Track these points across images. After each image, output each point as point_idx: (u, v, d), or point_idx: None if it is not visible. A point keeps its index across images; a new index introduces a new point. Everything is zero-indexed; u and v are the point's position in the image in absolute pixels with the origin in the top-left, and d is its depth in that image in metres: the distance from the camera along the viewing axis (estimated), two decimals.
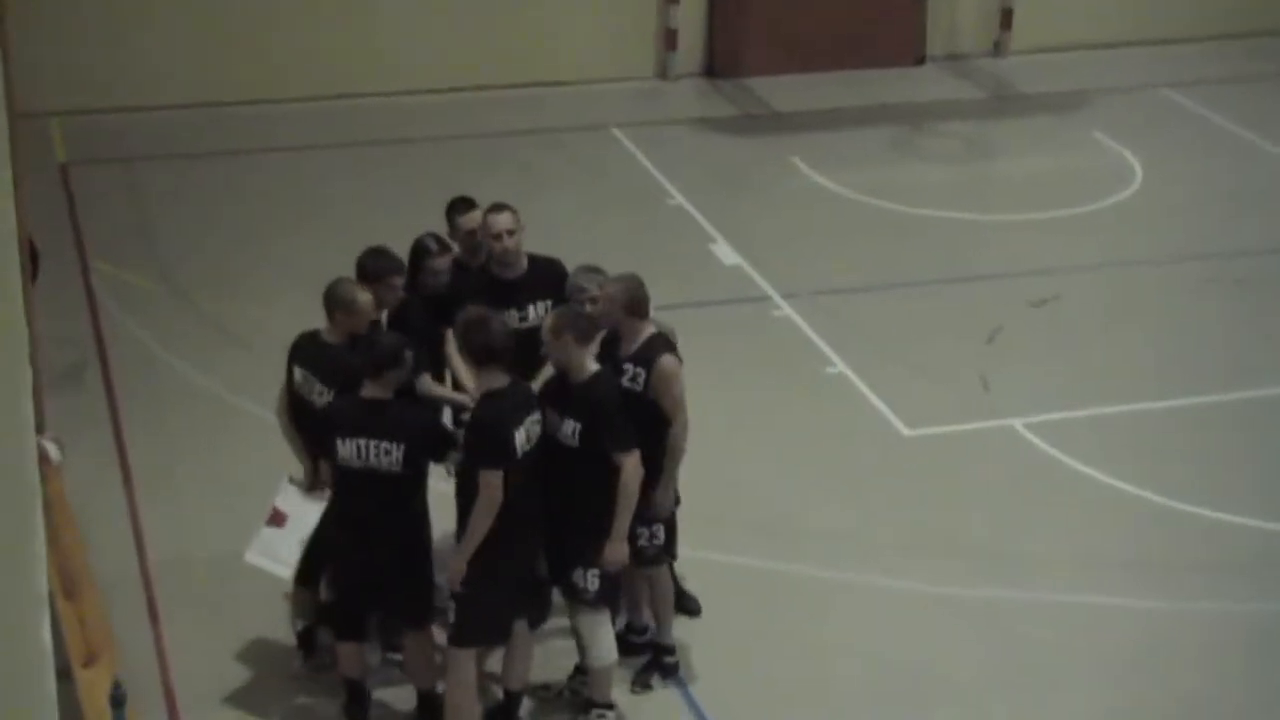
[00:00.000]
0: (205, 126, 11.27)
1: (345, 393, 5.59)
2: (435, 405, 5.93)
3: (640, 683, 6.04)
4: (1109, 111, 12.03)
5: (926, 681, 6.18)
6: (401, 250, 6.11)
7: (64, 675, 5.15)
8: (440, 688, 5.69)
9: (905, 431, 7.85)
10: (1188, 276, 9.52)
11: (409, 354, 5.56)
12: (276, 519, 5.78)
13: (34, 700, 4.03)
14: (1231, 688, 6.22)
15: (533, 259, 6.23)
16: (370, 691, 5.86)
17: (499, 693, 5.83)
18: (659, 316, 5.90)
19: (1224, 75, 12.68)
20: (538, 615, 5.76)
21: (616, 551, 5.56)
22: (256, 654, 6.15)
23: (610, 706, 5.83)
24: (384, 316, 5.98)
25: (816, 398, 8.19)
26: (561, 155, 11.06)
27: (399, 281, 5.92)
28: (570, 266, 6.08)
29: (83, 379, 8.09)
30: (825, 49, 12.48)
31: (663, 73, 12.51)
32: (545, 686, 5.96)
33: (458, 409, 5.95)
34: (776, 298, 9.14)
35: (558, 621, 5.95)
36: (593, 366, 5.57)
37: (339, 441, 5.46)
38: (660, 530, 5.84)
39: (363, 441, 5.42)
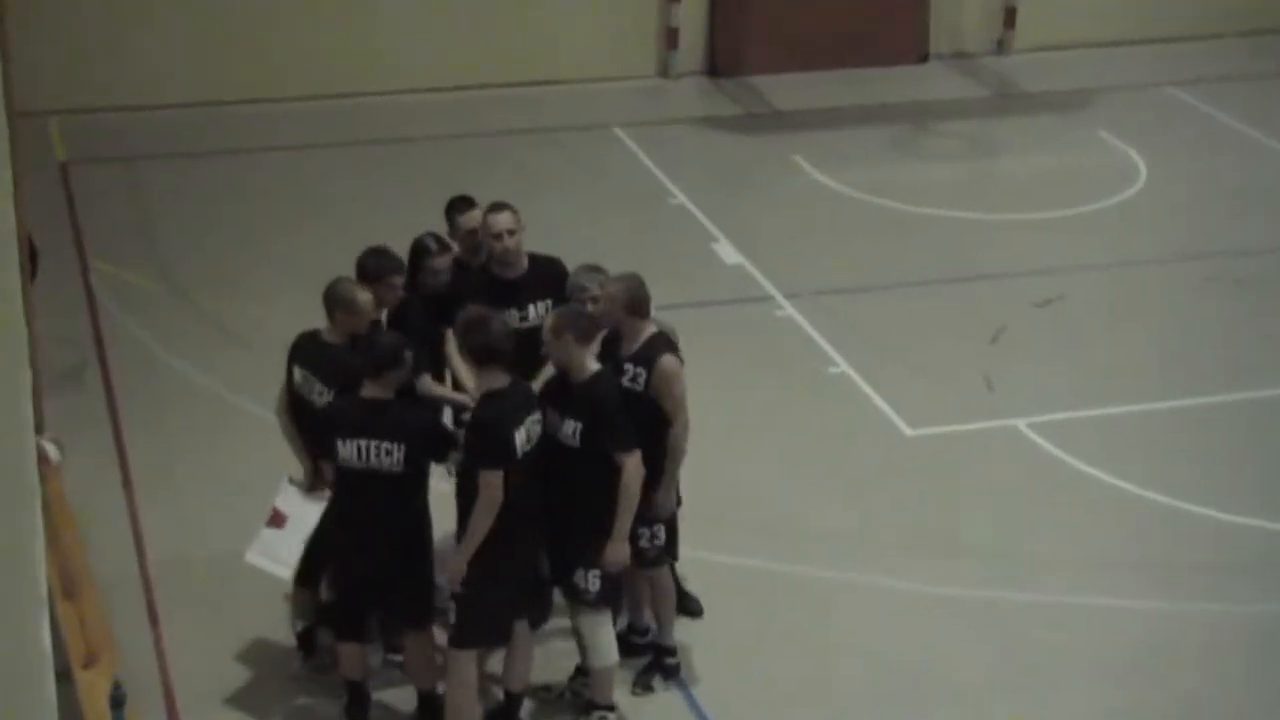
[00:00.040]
0: (205, 125, 11.26)
1: (345, 393, 5.57)
2: (435, 405, 5.91)
3: (642, 684, 6.03)
4: (1113, 110, 12.00)
5: (928, 682, 6.17)
6: (401, 250, 6.09)
7: (64, 676, 5.16)
8: (441, 689, 5.67)
9: (908, 432, 7.83)
10: (1193, 276, 9.49)
11: (409, 354, 5.54)
12: (276, 519, 5.78)
13: (33, 701, 4.04)
14: (1234, 689, 6.20)
15: (533, 258, 6.21)
16: (370, 693, 5.84)
17: (499, 694, 5.82)
18: (660, 316, 5.89)
19: (1229, 73, 12.65)
20: (539, 616, 5.75)
21: (617, 552, 5.55)
22: (256, 655, 6.14)
23: (611, 708, 5.82)
24: (383, 316, 5.96)
25: (819, 398, 8.17)
26: (562, 154, 11.04)
27: (399, 281, 5.91)
28: (571, 266, 6.06)
29: (82, 379, 8.08)
30: (827, 47, 12.46)
31: (664, 71, 12.49)
32: (546, 688, 5.95)
33: (458, 409, 5.93)
34: (779, 297, 9.12)
35: (559, 622, 5.94)
36: (593, 366, 5.56)
37: (339, 442, 5.45)
38: (661, 531, 5.82)
39: (363, 442, 5.40)
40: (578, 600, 5.66)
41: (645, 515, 5.68)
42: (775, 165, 10.94)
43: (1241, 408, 8.11)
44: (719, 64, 12.54)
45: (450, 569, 5.42)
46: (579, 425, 5.45)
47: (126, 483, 7.24)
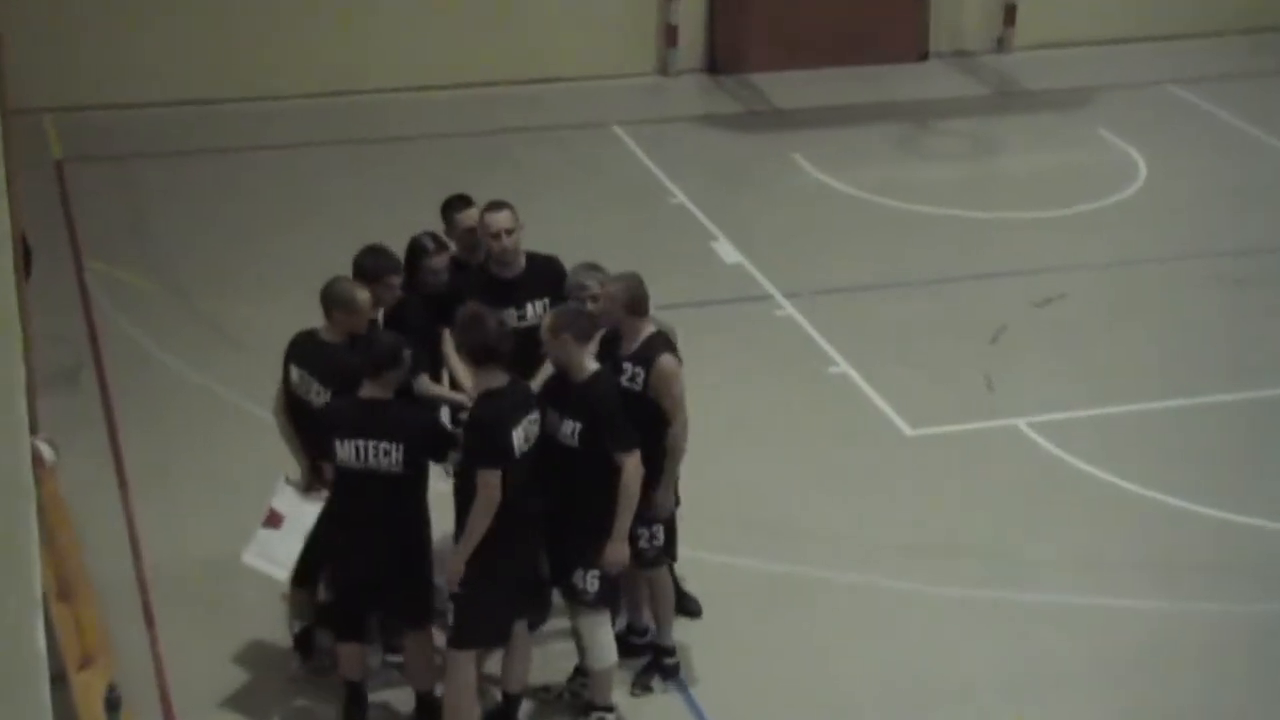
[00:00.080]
0: (201, 123, 11.24)
1: (343, 393, 5.54)
2: (433, 405, 5.88)
3: (641, 685, 6.01)
4: (1113, 108, 11.98)
5: (928, 682, 6.15)
6: (398, 249, 6.06)
7: (59, 678, 5.17)
8: (439, 690, 5.64)
9: (908, 432, 7.81)
10: (1193, 274, 9.48)
11: (408, 353, 5.51)
12: (273, 520, 5.76)
13: (28, 704, 4.03)
14: (1235, 689, 6.18)
15: (531, 257, 6.18)
16: (369, 694, 5.82)
17: (498, 695, 5.80)
18: (659, 315, 5.87)
19: (1230, 71, 12.64)
20: (537, 617, 5.74)
21: (617, 552, 5.53)
22: (254, 656, 6.12)
23: (610, 709, 5.81)
24: (380, 316, 5.92)
25: (819, 397, 8.15)
26: (561, 153, 11.02)
27: (397, 281, 5.89)
28: (569, 265, 6.04)
29: (77, 378, 8.05)
30: (828, 45, 12.45)
31: (663, 69, 12.46)
32: (545, 688, 5.94)
33: (455, 409, 5.90)
34: (778, 296, 9.09)
35: (557, 623, 5.93)
36: (592, 366, 5.54)
37: (338, 443, 5.43)
38: (660, 531, 5.81)
39: (362, 442, 5.38)
40: (577, 601, 5.64)
41: (644, 515, 5.66)
42: (775, 164, 10.91)
43: (1242, 407, 8.10)
44: (719, 61, 12.51)
45: (448, 569, 5.41)
46: (578, 425, 5.44)
47: (122, 483, 7.22)
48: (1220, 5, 13.26)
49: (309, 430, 5.68)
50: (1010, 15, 12.97)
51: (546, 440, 5.47)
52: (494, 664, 5.81)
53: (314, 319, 5.81)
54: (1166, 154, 11.17)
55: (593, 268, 5.89)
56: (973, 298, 9.20)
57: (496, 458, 5.26)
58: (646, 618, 6.08)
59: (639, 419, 5.52)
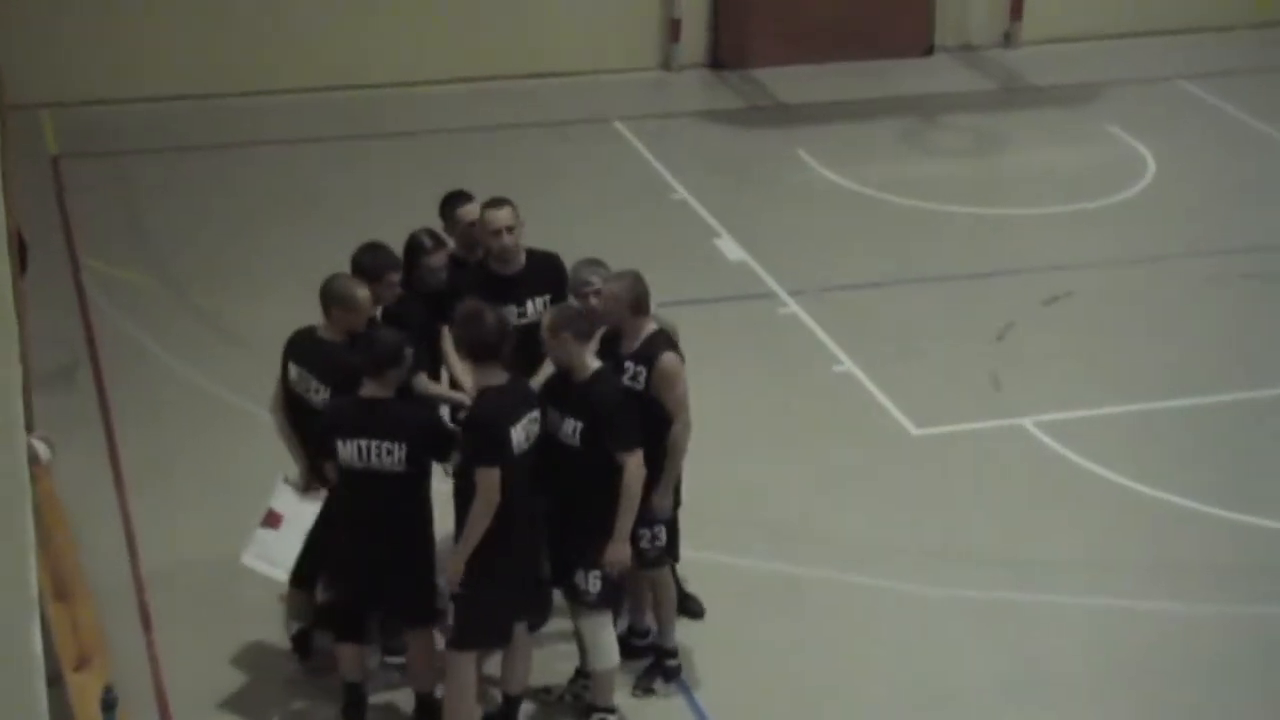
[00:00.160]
0: (198, 119, 11.21)
1: (344, 392, 5.48)
2: (433, 404, 5.82)
3: (642, 686, 5.99)
4: (1122, 104, 11.93)
5: (935, 684, 6.11)
6: (397, 245, 6.02)
7: (55, 679, 5.14)
8: (439, 692, 5.59)
9: (914, 431, 7.76)
10: (1203, 271, 9.43)
11: (409, 351, 5.46)
12: (272, 520, 5.74)
13: (23, 705, 4.02)
14: (1246, 692, 6.14)
15: (530, 253, 6.14)
16: (368, 695, 5.77)
17: (498, 696, 5.76)
18: (660, 313, 5.85)
19: (1239, 66, 12.60)
20: (538, 617, 5.70)
21: (618, 552, 5.49)
22: (251, 657, 6.09)
23: (612, 710, 5.78)
24: (378, 313, 5.86)
25: (823, 396, 8.10)
26: (562, 148, 10.98)
27: (396, 278, 5.85)
28: (570, 262, 6.00)
29: (73, 376, 8.03)
30: (832, 39, 12.40)
31: (666, 64, 12.41)
32: (546, 690, 5.91)
33: (455, 407, 5.84)
34: (782, 294, 9.04)
35: (558, 624, 5.90)
36: (594, 364, 5.50)
37: (340, 442, 5.39)
38: (662, 531, 5.78)
39: (364, 442, 5.34)
40: (578, 601, 5.61)
41: (645, 516, 5.62)
42: (779, 159, 10.87)
43: (1252, 406, 8.04)
44: (722, 56, 12.46)
45: (448, 569, 5.37)
46: (579, 424, 5.40)
47: (118, 482, 7.19)
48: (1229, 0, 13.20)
49: (308, 429, 5.64)
50: (1017, 9, 12.91)
51: (548, 439, 5.44)
52: (494, 665, 5.78)
53: (312, 316, 5.77)
54: (1175, 150, 11.12)
55: (595, 263, 5.85)
56: (979, 295, 9.15)
57: (495, 455, 5.21)
58: (648, 619, 6.06)
59: (641, 418, 5.48)
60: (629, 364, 5.60)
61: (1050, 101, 12.08)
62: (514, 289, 6.02)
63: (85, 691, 5.33)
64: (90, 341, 8.35)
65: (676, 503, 5.80)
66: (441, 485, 5.69)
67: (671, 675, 6.00)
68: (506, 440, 5.24)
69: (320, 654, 5.92)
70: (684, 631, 6.12)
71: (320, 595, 5.81)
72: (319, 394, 5.63)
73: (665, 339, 5.67)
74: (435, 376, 6.02)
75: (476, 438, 5.26)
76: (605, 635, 5.63)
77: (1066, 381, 8.20)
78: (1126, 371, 8.32)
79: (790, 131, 11.36)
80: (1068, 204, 10.27)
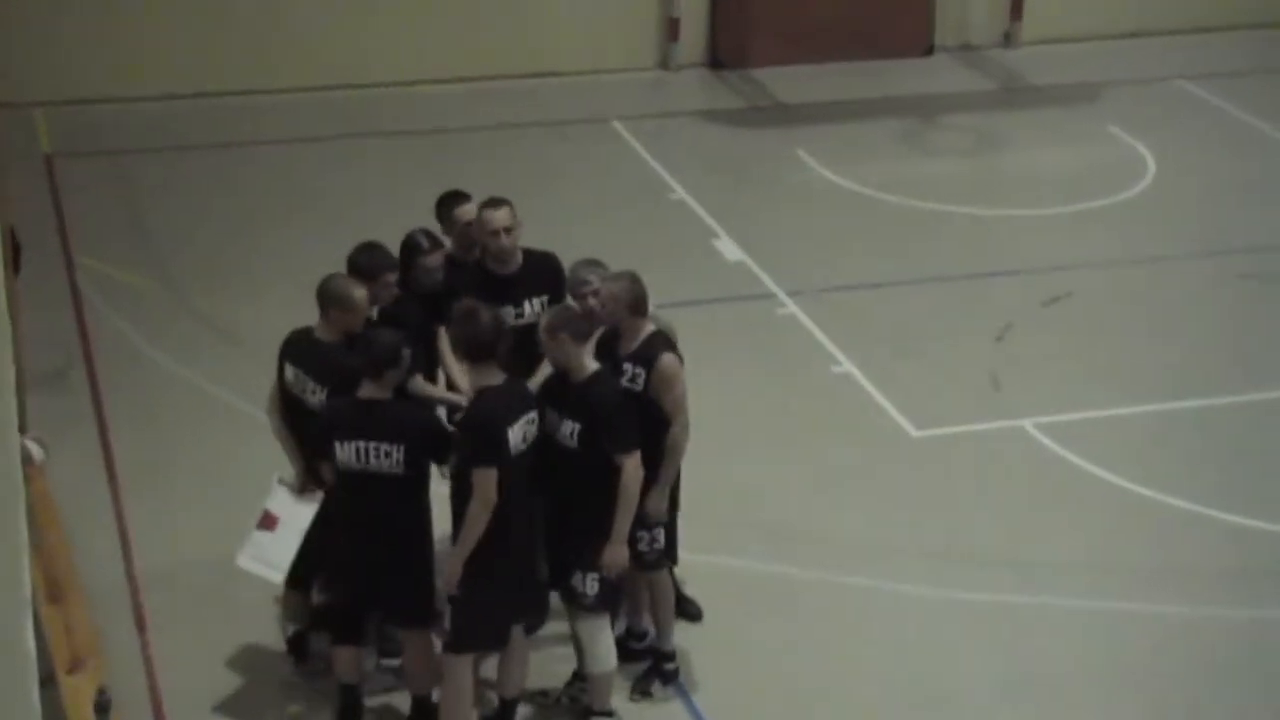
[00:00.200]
0: (194, 118, 11.20)
1: (341, 393, 5.46)
2: (430, 405, 5.79)
3: (640, 689, 5.97)
4: (1122, 104, 11.92)
5: (934, 687, 6.09)
6: (395, 245, 5.99)
7: (48, 681, 5.13)
8: (436, 695, 5.56)
9: (913, 432, 7.74)
10: (1204, 272, 9.43)
11: (407, 352, 5.43)
12: (268, 522, 5.71)
13: (16, 707, 4.02)
14: (1251, 695, 6.11)
15: (528, 253, 6.12)
16: (364, 698, 5.74)
17: (495, 699, 5.74)
18: (658, 314, 5.83)
19: (1240, 66, 12.60)
20: (535, 620, 5.69)
21: (616, 554, 5.48)
22: (247, 659, 6.07)
23: (610, 713, 5.76)
24: (375, 313, 5.83)
25: (822, 397, 8.08)
26: (561, 148, 10.97)
27: (393, 278, 5.83)
28: (568, 262, 5.98)
29: (67, 376, 8.00)
30: (832, 39, 12.39)
31: (665, 63, 12.39)
32: (543, 693, 5.89)
33: (451, 409, 5.81)
34: (781, 295, 9.02)
35: (556, 626, 5.89)
36: (592, 366, 5.47)
37: (338, 444, 5.37)
38: (660, 534, 5.76)
39: (362, 444, 5.32)
40: (576, 604, 5.59)
41: (643, 518, 5.59)
42: (778, 159, 10.85)
43: (1254, 408, 8.02)
44: (721, 56, 12.44)
45: (446, 571, 5.35)
46: (577, 426, 5.38)
47: (112, 483, 7.17)
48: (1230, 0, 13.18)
49: (305, 430, 5.61)
50: (1017, 9, 12.90)
51: (545, 441, 5.42)
52: (490, 668, 5.75)
53: (309, 316, 5.74)
54: (1176, 150, 11.11)
55: (593, 264, 5.83)
56: (978, 296, 9.14)
57: (492, 456, 5.19)
58: (646, 621, 6.04)
59: (639, 419, 5.44)
60: (627, 365, 5.58)
61: (1050, 101, 12.06)
62: (511, 289, 6.00)
63: (79, 693, 5.31)
64: (84, 341, 8.32)
65: (674, 506, 5.77)
66: (441, 487, 5.67)
67: (669, 678, 5.98)
68: (504, 441, 5.22)
69: (316, 656, 5.91)
70: (682, 634, 6.11)
71: (317, 597, 5.80)
72: (316, 395, 5.60)
73: (664, 340, 5.65)
74: (432, 377, 6.00)
75: (473, 438, 5.24)
76: (603, 638, 5.61)
77: (1066, 382, 8.18)
78: (1127, 372, 8.30)
79: (789, 131, 11.34)
80: (1068, 204, 10.25)
